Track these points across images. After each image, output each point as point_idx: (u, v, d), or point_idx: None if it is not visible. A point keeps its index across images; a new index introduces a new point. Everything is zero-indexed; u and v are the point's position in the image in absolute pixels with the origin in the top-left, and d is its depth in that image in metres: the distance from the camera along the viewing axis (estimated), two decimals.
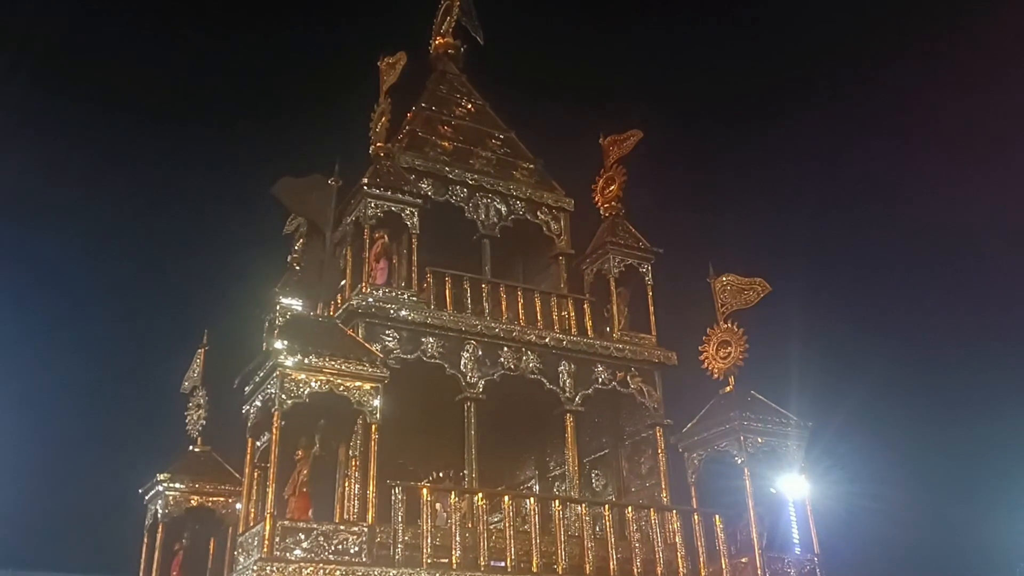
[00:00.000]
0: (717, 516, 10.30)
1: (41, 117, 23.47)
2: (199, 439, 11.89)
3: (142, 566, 11.37)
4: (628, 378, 11.33)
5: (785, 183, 25.49)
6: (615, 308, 11.74)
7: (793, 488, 10.96)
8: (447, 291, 10.72)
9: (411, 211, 10.76)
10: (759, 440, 10.65)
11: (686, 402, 11.59)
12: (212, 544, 11.44)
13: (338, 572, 8.04)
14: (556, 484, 11.96)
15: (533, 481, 12.63)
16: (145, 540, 11.50)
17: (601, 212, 12.73)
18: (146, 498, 11.61)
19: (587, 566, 9.35)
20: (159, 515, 11.18)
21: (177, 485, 11.26)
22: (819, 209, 25.18)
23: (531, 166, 12.97)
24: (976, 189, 22.87)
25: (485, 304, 10.91)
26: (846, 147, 26.13)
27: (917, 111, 23.94)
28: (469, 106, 13.46)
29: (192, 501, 11.29)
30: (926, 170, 23.90)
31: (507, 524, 9.20)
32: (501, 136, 13.19)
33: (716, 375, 11.26)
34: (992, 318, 22.31)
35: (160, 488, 11.27)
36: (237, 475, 11.00)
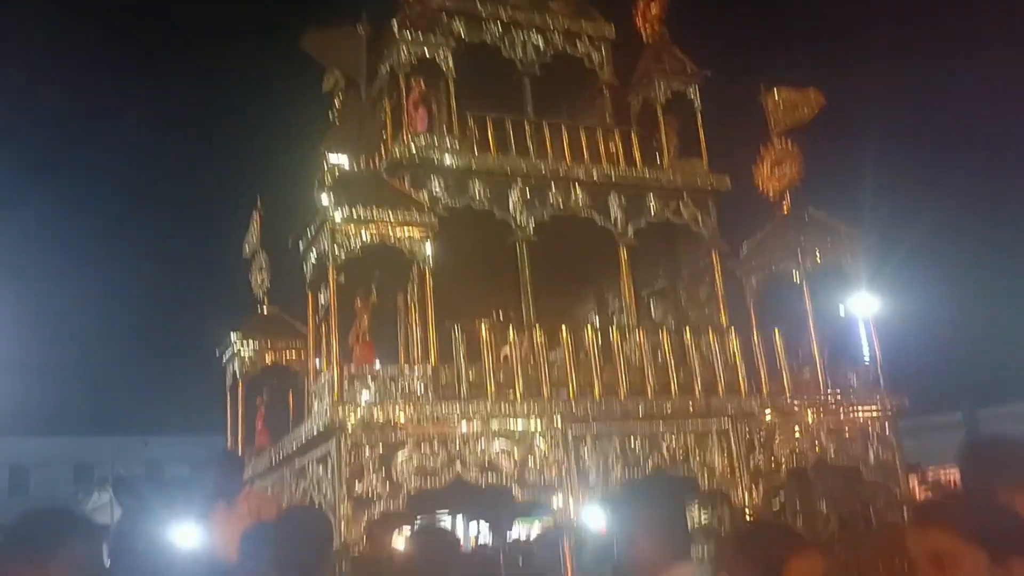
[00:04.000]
0: (776, 330, 10.29)
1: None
2: (266, 300, 12.32)
3: (228, 422, 12.09)
4: (681, 207, 11.14)
5: None
6: (663, 137, 11.40)
7: (856, 304, 10.86)
8: (490, 135, 10.53)
9: (446, 54, 10.45)
10: (817, 258, 10.51)
11: (742, 228, 11.41)
12: (291, 396, 12.03)
13: (408, 408, 8.37)
14: (616, 318, 12.08)
15: (593, 316, 12.79)
16: (228, 399, 12.17)
17: (644, 37, 12.17)
18: (224, 360, 12.19)
19: (649, 390, 9.52)
20: (237, 374, 11.76)
21: (251, 344, 11.78)
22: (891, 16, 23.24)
23: None
24: None
25: (529, 144, 10.71)
26: None
27: None
28: None
29: (267, 359, 11.83)
30: None
31: (567, 355, 9.36)
32: None
33: (772, 196, 11.00)
34: None
35: (235, 349, 11.81)
36: (304, 331, 11.39)
